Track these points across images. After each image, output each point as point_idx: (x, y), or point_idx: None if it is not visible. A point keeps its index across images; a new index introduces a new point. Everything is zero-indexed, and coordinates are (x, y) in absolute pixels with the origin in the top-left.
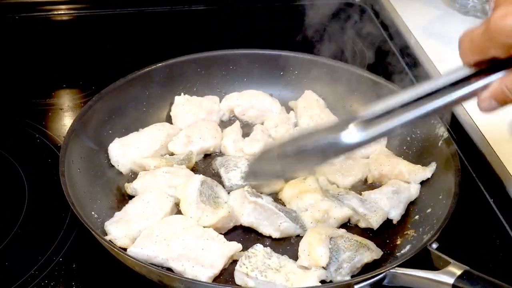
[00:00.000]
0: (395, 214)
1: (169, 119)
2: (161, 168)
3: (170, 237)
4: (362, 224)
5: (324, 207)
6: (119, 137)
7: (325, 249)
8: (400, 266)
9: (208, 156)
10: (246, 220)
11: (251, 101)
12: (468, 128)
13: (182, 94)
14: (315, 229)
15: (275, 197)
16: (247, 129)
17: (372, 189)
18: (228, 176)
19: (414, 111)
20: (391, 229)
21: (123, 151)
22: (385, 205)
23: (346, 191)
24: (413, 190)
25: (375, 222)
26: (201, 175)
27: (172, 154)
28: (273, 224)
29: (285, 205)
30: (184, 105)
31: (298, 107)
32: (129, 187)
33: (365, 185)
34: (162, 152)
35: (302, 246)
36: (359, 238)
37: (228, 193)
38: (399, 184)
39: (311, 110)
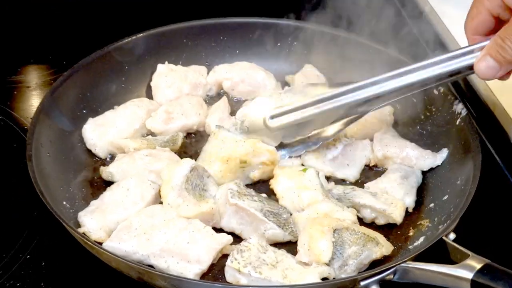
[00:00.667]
0: (410, 201)
1: (150, 96)
2: (141, 151)
3: (150, 230)
4: (381, 221)
5: (324, 209)
6: (93, 117)
7: (328, 243)
8: (412, 259)
9: (190, 136)
10: (227, 225)
11: (242, 74)
12: (490, 105)
13: (166, 62)
14: (317, 219)
15: (269, 189)
16: (236, 106)
17: (373, 177)
18: None
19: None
20: (403, 219)
21: (99, 132)
22: (398, 193)
23: (352, 188)
24: (419, 174)
25: (398, 216)
26: (193, 160)
27: (153, 134)
28: (257, 231)
29: (277, 200)
30: (167, 76)
31: (296, 82)
32: (104, 171)
33: (366, 173)
34: (143, 132)
35: (302, 239)
36: (367, 231)
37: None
38: (405, 169)
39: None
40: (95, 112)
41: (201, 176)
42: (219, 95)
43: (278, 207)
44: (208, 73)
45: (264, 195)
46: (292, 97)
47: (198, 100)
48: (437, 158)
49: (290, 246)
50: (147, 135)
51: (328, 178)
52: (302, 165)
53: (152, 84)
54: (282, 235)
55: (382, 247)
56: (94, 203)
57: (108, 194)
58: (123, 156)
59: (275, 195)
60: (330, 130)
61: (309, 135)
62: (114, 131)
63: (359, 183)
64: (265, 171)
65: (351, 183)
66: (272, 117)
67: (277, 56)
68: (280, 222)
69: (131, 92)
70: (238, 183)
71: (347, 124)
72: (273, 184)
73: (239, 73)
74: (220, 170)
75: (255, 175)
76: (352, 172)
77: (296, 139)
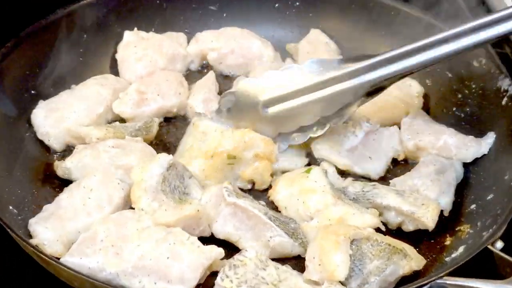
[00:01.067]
0: (446, 203)
1: (116, 72)
2: (107, 141)
3: (120, 242)
4: (410, 227)
5: (338, 214)
6: (45, 99)
7: (343, 256)
8: (450, 274)
9: (169, 122)
10: (221, 230)
11: (232, 43)
12: None
13: (135, 29)
14: (330, 227)
15: (266, 201)
16: (225, 84)
17: (401, 172)
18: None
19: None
20: (438, 225)
21: (53, 118)
22: (432, 192)
23: (373, 185)
24: (459, 168)
25: (431, 220)
26: (170, 155)
27: (122, 120)
28: (260, 238)
29: (279, 211)
30: (137, 47)
31: (300, 52)
32: (60, 167)
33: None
34: (108, 118)
35: (311, 252)
36: (393, 241)
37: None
38: (441, 161)
39: (318, 56)
40: (47, 94)
41: (181, 176)
42: (202, 69)
43: (283, 216)
44: (188, 42)
45: (262, 202)
46: (296, 75)
47: (176, 76)
48: (482, 146)
49: (296, 261)
50: (114, 121)
51: (342, 173)
52: (309, 164)
53: (117, 56)
54: (290, 246)
55: (411, 260)
56: (48, 208)
57: (65, 197)
58: (84, 148)
59: (275, 209)
60: (340, 113)
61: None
62: (72, 117)
63: (382, 178)
64: (258, 168)
65: (372, 180)
66: (267, 104)
67: (275, 20)
68: (289, 229)
69: (91, 67)
70: (231, 184)
71: (360, 104)
72: (272, 194)
73: (228, 42)
74: (203, 168)
75: (246, 173)
76: (375, 167)
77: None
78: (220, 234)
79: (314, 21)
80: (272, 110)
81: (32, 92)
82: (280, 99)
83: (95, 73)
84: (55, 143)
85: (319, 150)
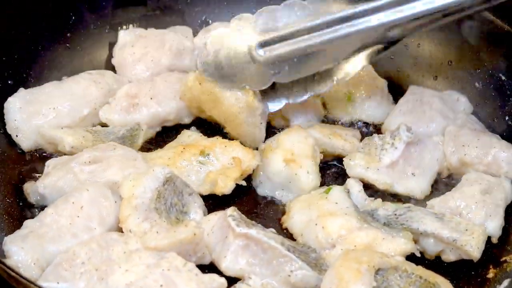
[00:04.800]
0: (494, 228)
1: (109, 65)
2: (81, 156)
3: (104, 266)
4: (451, 257)
5: (364, 239)
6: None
7: None
8: None
9: (168, 132)
10: (232, 266)
11: None
12: None
13: (131, 26)
14: (352, 253)
15: (278, 228)
16: None
17: (441, 190)
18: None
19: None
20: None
21: (28, 112)
22: (478, 216)
23: (408, 207)
24: (508, 187)
25: (476, 249)
26: (167, 167)
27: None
28: (278, 273)
29: (294, 239)
30: (135, 46)
31: None
32: (31, 191)
33: None
34: (95, 121)
35: (328, 281)
36: (425, 272)
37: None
38: (487, 179)
39: None
40: (26, 83)
41: (179, 192)
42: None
43: (300, 245)
44: (196, 34)
45: (272, 230)
46: (292, 16)
47: (178, 78)
48: None
49: None
50: (102, 125)
51: (371, 192)
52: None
53: (114, 62)
54: (315, 280)
55: None
56: (28, 224)
57: (50, 212)
58: (55, 167)
59: (290, 237)
60: (347, 67)
61: (315, 72)
62: (50, 115)
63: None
64: (227, 170)
65: (415, 201)
66: (262, 45)
67: None
68: (310, 260)
69: (80, 56)
70: (234, 209)
71: (369, 58)
72: (286, 221)
73: None
74: (169, 157)
75: (213, 172)
76: (419, 185)
77: (295, 79)
78: (230, 272)
79: None
80: (269, 52)
81: (9, 82)
82: (278, 39)
83: (87, 63)
84: (23, 141)
85: (353, 167)
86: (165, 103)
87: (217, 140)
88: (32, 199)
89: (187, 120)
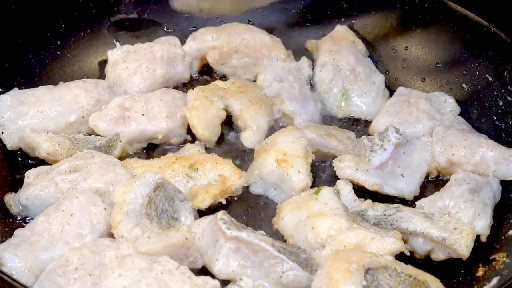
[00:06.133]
0: (482, 226)
1: (102, 74)
2: (61, 166)
3: (98, 271)
4: (440, 255)
5: (354, 239)
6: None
7: None
8: None
9: (155, 150)
10: (225, 269)
11: (236, 40)
12: None
13: (118, 44)
14: (342, 253)
15: (269, 229)
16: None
17: (430, 191)
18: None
19: None
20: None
21: (17, 111)
22: (467, 215)
23: (397, 208)
24: (496, 186)
25: (465, 248)
26: (159, 174)
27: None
28: (270, 275)
29: (284, 240)
30: (126, 62)
31: (321, 49)
32: (13, 203)
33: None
34: (82, 129)
35: (318, 281)
36: (414, 271)
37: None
38: (475, 178)
39: (341, 57)
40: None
41: (171, 198)
42: (202, 76)
43: (290, 246)
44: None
45: (262, 232)
46: None
47: (176, 97)
48: None
49: None
50: (89, 134)
51: (360, 193)
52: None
53: (108, 79)
54: (306, 280)
55: None
56: (19, 233)
57: (41, 221)
58: (36, 177)
59: (280, 238)
60: None
61: None
62: (36, 117)
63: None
64: (209, 186)
65: (407, 201)
66: None
67: (289, 13)
68: (301, 260)
69: (72, 63)
70: (224, 213)
71: None
72: (276, 222)
73: (231, 38)
74: (159, 166)
75: (196, 186)
76: (408, 186)
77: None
78: (222, 274)
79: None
80: None
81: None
82: None
83: (79, 72)
84: (8, 139)
85: (342, 168)
86: (155, 122)
87: (211, 156)
88: (14, 210)
89: (174, 141)
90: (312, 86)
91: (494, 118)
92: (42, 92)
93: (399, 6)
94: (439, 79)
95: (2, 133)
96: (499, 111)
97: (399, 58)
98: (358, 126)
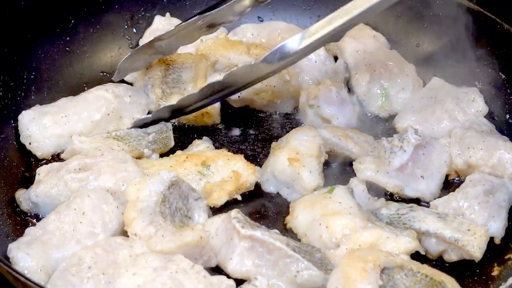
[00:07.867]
0: (496, 228)
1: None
2: (69, 164)
3: (111, 269)
4: (453, 256)
5: (369, 238)
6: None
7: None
8: None
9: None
10: (239, 269)
11: (277, 38)
12: None
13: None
14: (358, 252)
15: (281, 228)
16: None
17: (447, 190)
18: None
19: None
20: (485, 253)
21: (41, 121)
22: (481, 217)
23: (410, 207)
24: None
25: (477, 249)
26: (174, 172)
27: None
28: (284, 274)
29: (298, 239)
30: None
31: (347, 50)
32: (23, 199)
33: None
34: (109, 127)
35: (334, 280)
36: (431, 271)
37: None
38: (491, 180)
39: (370, 55)
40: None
41: (185, 196)
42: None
43: (305, 245)
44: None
45: (276, 231)
46: None
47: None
48: None
49: None
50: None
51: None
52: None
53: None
54: (321, 279)
55: None
56: (31, 232)
57: (53, 219)
58: (46, 175)
59: (293, 237)
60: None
61: None
62: (61, 122)
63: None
64: (224, 184)
65: (424, 203)
66: None
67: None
68: (315, 259)
69: (81, 59)
70: (237, 211)
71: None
72: (290, 221)
73: (271, 36)
74: (170, 165)
75: (210, 183)
76: (428, 188)
77: None
78: (237, 274)
79: None
80: None
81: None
82: None
83: (94, 70)
84: (36, 148)
85: (363, 171)
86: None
87: (222, 152)
88: (24, 207)
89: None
90: (349, 89)
91: (507, 116)
92: (63, 102)
93: (410, 3)
94: (451, 78)
95: (30, 143)
96: None
97: (411, 56)
98: None
